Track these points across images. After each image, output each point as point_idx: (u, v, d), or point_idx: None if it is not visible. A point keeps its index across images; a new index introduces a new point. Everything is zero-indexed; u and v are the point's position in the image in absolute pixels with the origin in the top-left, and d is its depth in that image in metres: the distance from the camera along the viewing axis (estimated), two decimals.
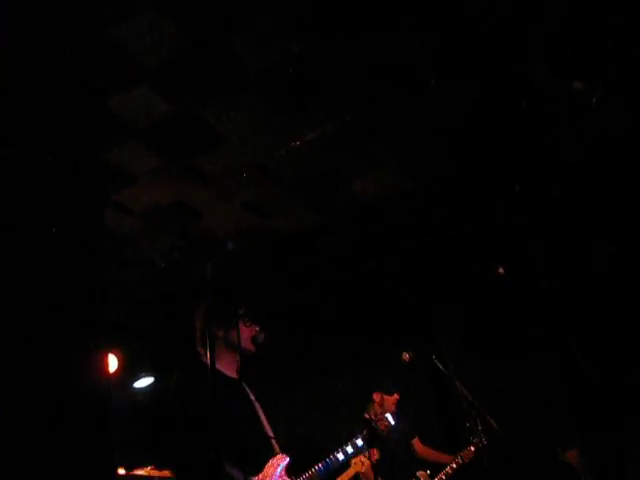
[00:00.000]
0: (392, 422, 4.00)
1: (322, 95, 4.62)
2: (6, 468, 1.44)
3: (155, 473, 5.22)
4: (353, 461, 4.68)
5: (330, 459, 3.62)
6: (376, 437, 3.50)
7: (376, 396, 5.63)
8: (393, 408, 5.55)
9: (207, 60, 4.18)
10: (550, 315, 6.07)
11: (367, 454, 3.54)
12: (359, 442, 3.71)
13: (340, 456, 3.63)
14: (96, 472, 1.63)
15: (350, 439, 3.74)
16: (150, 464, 5.22)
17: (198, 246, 2.89)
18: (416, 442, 5.75)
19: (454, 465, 5.21)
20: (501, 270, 6.08)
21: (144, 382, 7.03)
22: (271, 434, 3.47)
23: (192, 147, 4.91)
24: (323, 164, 5.36)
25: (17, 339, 1.56)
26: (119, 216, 5.33)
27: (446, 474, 5.20)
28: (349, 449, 3.68)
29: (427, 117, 5.04)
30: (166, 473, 5.28)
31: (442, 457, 5.56)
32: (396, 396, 5.60)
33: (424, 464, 5.52)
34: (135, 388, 7.01)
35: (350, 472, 4.94)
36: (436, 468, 5.36)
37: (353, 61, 4.36)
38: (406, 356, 4.92)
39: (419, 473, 5.32)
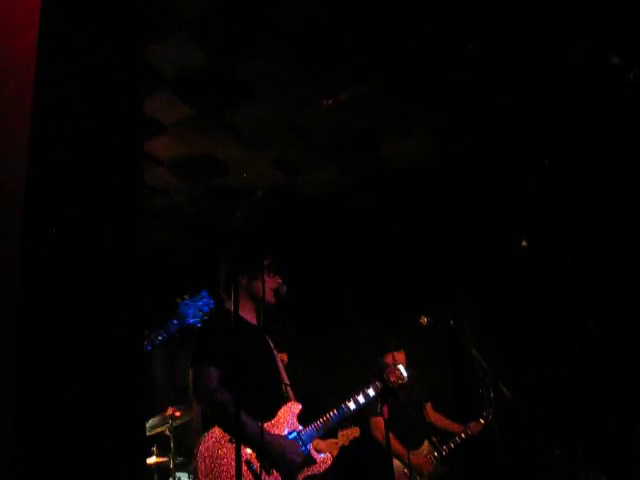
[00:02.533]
0: (404, 373, 4.03)
1: (357, 56, 4.59)
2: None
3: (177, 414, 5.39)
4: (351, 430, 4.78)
5: (342, 408, 3.68)
6: (387, 391, 3.55)
7: (389, 358, 5.68)
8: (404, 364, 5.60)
9: (244, 14, 4.17)
10: (572, 297, 6.05)
11: (380, 409, 3.59)
12: (371, 392, 3.76)
13: (352, 405, 3.70)
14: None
15: (362, 389, 3.80)
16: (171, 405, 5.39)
17: (227, 196, 2.93)
18: (429, 407, 5.80)
19: (463, 435, 5.27)
20: (524, 243, 6.05)
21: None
22: (287, 381, 3.54)
23: (224, 100, 4.92)
24: (354, 125, 5.34)
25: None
26: (148, 165, 5.37)
27: (454, 443, 5.26)
28: (361, 398, 3.75)
29: (461, 86, 5.00)
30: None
31: (452, 425, 5.60)
32: (401, 352, 5.62)
33: (433, 430, 5.58)
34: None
35: (351, 433, 5.04)
36: (444, 435, 5.43)
37: (389, 26, 4.33)
38: (424, 320, 4.93)
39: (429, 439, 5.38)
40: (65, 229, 1.57)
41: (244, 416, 2.87)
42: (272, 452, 3.14)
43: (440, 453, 5.21)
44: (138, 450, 1.81)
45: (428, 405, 5.80)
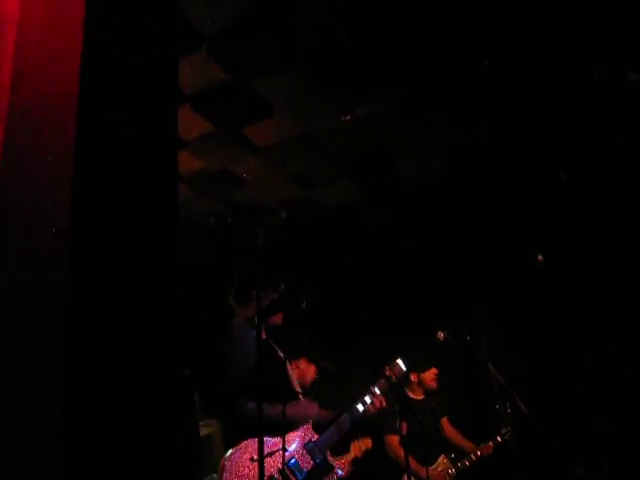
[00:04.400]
0: (404, 368, 4.01)
1: (374, 72, 4.63)
2: None
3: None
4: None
5: (351, 411, 3.65)
6: (392, 385, 3.59)
7: (413, 377, 5.71)
8: (434, 384, 5.62)
9: (263, 30, 4.22)
10: (588, 310, 6.04)
11: (398, 426, 3.62)
12: (376, 390, 3.77)
13: (360, 407, 3.68)
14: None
15: (367, 389, 3.81)
16: None
17: (250, 213, 2.98)
18: (445, 422, 5.81)
19: (473, 457, 5.29)
20: (540, 257, 6.05)
21: None
22: (299, 390, 3.58)
23: (244, 116, 4.98)
24: (371, 140, 5.38)
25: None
26: None
27: (469, 461, 5.28)
28: (367, 398, 3.73)
29: (476, 100, 5.02)
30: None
31: (465, 443, 5.61)
32: (434, 370, 5.68)
33: (448, 445, 5.59)
34: None
35: (362, 446, 5.06)
36: (458, 452, 5.44)
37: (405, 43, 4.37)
38: (441, 335, 4.92)
39: (443, 456, 5.39)
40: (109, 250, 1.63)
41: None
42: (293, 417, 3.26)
43: (457, 469, 5.22)
44: None
45: (444, 420, 5.80)
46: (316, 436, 3.44)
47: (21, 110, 1.53)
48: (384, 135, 5.33)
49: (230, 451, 3.16)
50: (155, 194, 2.00)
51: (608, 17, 4.32)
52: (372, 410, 3.65)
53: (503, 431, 5.22)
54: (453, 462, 5.31)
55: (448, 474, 5.20)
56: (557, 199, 6.12)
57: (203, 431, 5.44)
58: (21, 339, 1.57)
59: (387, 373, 3.98)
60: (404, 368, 4.14)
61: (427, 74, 4.71)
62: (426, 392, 5.72)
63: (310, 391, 5.17)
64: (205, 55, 4.31)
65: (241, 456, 3.14)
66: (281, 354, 3.68)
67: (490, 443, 5.29)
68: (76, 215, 1.55)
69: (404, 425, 4.42)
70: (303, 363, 5.27)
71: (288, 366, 3.69)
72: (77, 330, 1.56)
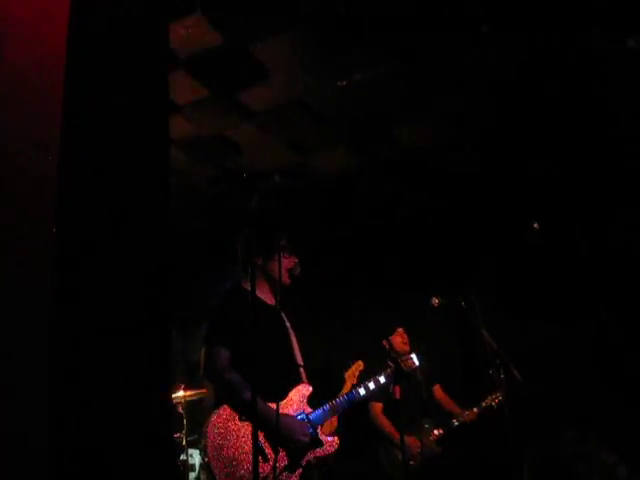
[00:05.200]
0: (417, 362, 4.09)
1: (371, 37, 4.58)
2: None
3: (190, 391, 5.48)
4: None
5: (352, 393, 3.74)
6: (401, 374, 3.60)
7: (385, 343, 5.72)
8: (405, 347, 5.63)
9: None
10: (584, 281, 6.05)
11: (391, 389, 3.66)
12: (382, 379, 3.82)
13: (362, 391, 3.75)
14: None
15: (374, 376, 3.85)
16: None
17: (243, 177, 2.96)
18: (437, 388, 5.85)
19: (455, 423, 5.35)
20: (536, 225, 6.04)
21: None
22: (301, 362, 3.59)
23: (238, 80, 4.93)
24: (368, 106, 5.34)
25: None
26: None
27: (449, 427, 5.34)
28: (371, 385, 3.80)
29: (475, 68, 4.98)
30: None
31: (455, 409, 5.65)
32: (400, 331, 5.69)
33: (439, 411, 5.65)
34: None
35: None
36: (448, 419, 5.51)
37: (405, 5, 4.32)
38: (435, 301, 4.95)
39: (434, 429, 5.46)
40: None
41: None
42: (280, 431, 3.18)
43: (438, 435, 5.29)
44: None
45: (437, 387, 5.85)
46: (309, 409, 3.46)
47: (8, 69, 1.51)
48: (381, 101, 5.28)
49: (215, 411, 3.19)
50: (146, 159, 1.98)
51: None
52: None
53: (489, 398, 5.29)
54: (436, 427, 5.37)
55: (428, 441, 5.26)
56: (555, 167, 6.10)
57: (195, 396, 5.53)
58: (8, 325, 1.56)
59: (399, 363, 4.03)
60: (417, 363, 4.19)
61: (426, 39, 4.66)
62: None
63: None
64: (200, 18, 4.26)
65: (228, 416, 3.17)
66: (288, 323, 3.69)
67: (475, 409, 5.35)
68: (63, 181, 1.53)
69: (397, 389, 4.45)
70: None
71: (292, 336, 3.69)
72: (65, 316, 1.56)
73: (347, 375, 5.27)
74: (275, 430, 3.09)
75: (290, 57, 4.68)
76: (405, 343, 5.67)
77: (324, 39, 4.56)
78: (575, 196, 6.20)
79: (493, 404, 5.31)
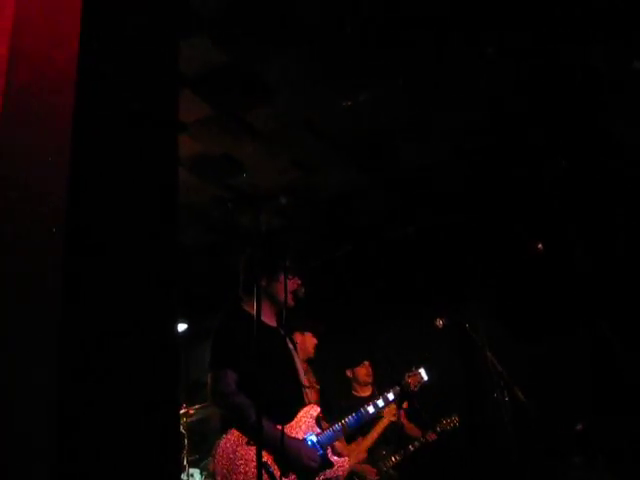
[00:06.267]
0: (425, 378, 4.07)
1: (376, 57, 4.60)
2: None
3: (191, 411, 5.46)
4: (385, 411, 4.80)
5: (361, 412, 3.71)
6: (407, 392, 3.59)
7: (349, 373, 5.70)
8: (368, 379, 5.62)
9: (264, 13, 4.18)
10: (584, 296, 6.03)
11: (397, 407, 3.65)
12: (390, 396, 3.81)
13: (371, 409, 3.73)
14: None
15: (382, 393, 3.83)
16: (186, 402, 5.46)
17: (248, 198, 2.95)
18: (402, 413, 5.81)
19: (411, 448, 5.30)
20: (540, 246, 6.03)
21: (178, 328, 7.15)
22: (306, 383, 3.55)
23: (244, 100, 4.95)
24: (372, 126, 5.35)
25: None
26: None
27: (404, 453, 5.30)
28: (380, 402, 3.78)
29: (478, 88, 5.00)
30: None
31: (414, 432, 5.57)
32: (366, 364, 5.67)
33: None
34: None
35: (384, 422, 5.06)
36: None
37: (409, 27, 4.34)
38: (439, 322, 4.92)
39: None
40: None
41: (264, 420, 2.88)
42: (289, 455, 3.15)
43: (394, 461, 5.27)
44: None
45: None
46: (318, 430, 3.42)
47: (18, 89, 1.51)
48: (384, 120, 5.30)
49: (223, 435, 3.15)
50: (154, 177, 1.98)
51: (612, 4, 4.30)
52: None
53: (444, 421, 5.29)
54: (393, 454, 5.33)
55: (387, 466, 5.23)
56: (558, 187, 6.10)
57: (197, 415, 5.50)
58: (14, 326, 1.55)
59: (406, 381, 4.01)
60: (425, 378, 4.17)
61: (429, 59, 4.68)
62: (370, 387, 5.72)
63: (314, 360, 5.18)
64: (206, 38, 4.28)
65: (236, 441, 3.13)
66: (291, 345, 3.66)
67: (432, 434, 5.32)
68: (73, 198, 1.53)
69: (402, 413, 4.43)
70: (298, 336, 5.23)
71: (296, 357, 3.66)
72: (73, 317, 1.55)
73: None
74: (282, 453, 3.06)
75: (295, 77, 4.70)
76: (368, 375, 5.67)
77: (329, 59, 4.57)
78: (577, 213, 6.20)
79: (449, 427, 5.34)
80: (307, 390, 3.52)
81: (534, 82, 4.97)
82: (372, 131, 5.47)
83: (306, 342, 5.29)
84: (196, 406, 5.53)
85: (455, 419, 5.28)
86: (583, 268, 6.07)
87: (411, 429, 5.65)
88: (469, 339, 5.00)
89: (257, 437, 2.59)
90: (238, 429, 3.15)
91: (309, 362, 4.94)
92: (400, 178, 6.12)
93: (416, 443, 5.31)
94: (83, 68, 1.50)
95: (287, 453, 3.12)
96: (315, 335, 5.33)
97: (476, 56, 4.66)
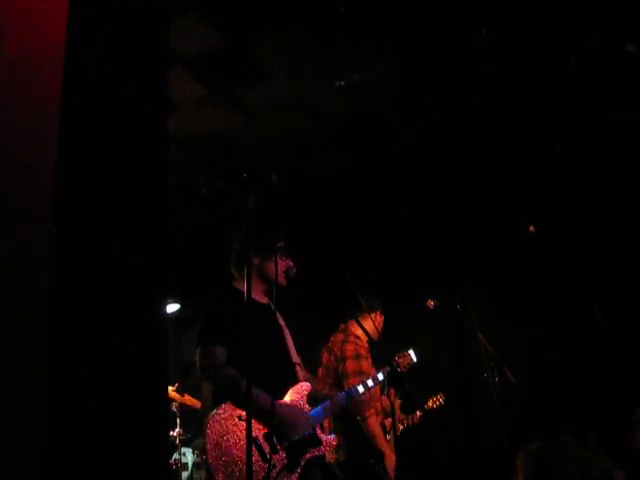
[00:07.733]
0: (414, 359, 4.10)
1: (370, 38, 4.58)
2: None
3: (177, 397, 5.47)
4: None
5: (350, 390, 3.75)
6: (397, 373, 3.62)
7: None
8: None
9: None
10: (577, 279, 6.06)
11: (386, 391, 3.66)
12: (380, 376, 3.83)
13: (360, 388, 3.76)
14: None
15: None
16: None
17: (240, 176, 2.94)
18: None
19: (401, 426, 5.30)
20: (532, 228, 6.05)
21: (171, 308, 7.15)
22: (297, 360, 3.57)
23: (238, 80, 4.93)
24: (366, 107, 5.34)
25: None
26: None
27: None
28: (370, 382, 3.81)
29: (473, 71, 4.99)
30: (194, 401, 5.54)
31: (399, 414, 5.61)
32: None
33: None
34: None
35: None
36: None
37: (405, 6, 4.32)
38: (431, 303, 4.94)
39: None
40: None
41: (255, 389, 2.89)
42: (282, 421, 3.17)
43: None
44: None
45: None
46: (309, 407, 3.43)
47: (8, 62, 1.50)
48: (380, 102, 5.29)
49: (214, 410, 3.16)
50: (144, 156, 1.97)
51: None
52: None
53: (431, 400, 5.31)
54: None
55: None
56: (550, 170, 6.11)
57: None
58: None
59: (396, 361, 4.03)
60: (414, 359, 4.19)
61: (425, 41, 4.67)
62: None
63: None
64: (199, 16, 4.25)
65: (227, 416, 3.15)
66: (281, 322, 3.68)
67: (418, 413, 5.32)
68: (61, 176, 1.53)
69: (392, 391, 4.45)
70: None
71: (287, 334, 3.67)
72: (61, 320, 1.56)
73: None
74: (276, 423, 3.09)
75: (289, 56, 4.68)
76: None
77: (323, 39, 4.55)
78: (570, 196, 6.22)
79: (435, 406, 5.34)
80: (299, 367, 3.54)
81: (528, 65, 4.96)
82: (367, 113, 5.45)
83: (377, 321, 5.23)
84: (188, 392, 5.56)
85: (440, 397, 5.28)
86: (574, 251, 6.10)
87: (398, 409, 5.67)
88: (460, 320, 5.03)
89: (248, 408, 2.60)
90: (232, 402, 3.16)
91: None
92: (393, 160, 6.11)
93: (405, 422, 5.34)
94: (72, 42, 1.49)
95: (281, 418, 3.15)
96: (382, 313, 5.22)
97: (471, 39, 4.65)
